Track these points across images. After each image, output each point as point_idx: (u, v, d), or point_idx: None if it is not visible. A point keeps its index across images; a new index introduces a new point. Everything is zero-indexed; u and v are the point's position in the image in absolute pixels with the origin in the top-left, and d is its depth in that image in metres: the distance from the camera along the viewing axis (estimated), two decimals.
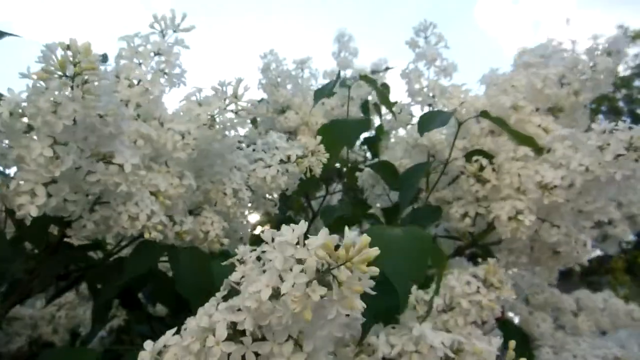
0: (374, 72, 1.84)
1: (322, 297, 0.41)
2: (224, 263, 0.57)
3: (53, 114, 0.62)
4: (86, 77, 0.62)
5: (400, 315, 0.68)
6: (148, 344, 0.50)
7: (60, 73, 0.61)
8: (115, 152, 0.70)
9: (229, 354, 0.45)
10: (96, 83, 0.62)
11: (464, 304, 0.80)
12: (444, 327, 0.78)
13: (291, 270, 0.42)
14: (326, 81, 1.46)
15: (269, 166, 0.90)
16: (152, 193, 0.77)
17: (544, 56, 1.14)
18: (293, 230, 0.44)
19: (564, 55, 1.11)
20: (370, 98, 1.58)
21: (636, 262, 4.75)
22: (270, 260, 0.44)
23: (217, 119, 0.81)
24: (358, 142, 1.65)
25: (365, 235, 0.42)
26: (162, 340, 0.50)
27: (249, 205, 0.92)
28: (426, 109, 1.14)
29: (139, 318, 1.17)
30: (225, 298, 0.52)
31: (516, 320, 1.57)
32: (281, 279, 0.43)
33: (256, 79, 1.47)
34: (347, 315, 0.45)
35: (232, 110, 0.80)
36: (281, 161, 0.91)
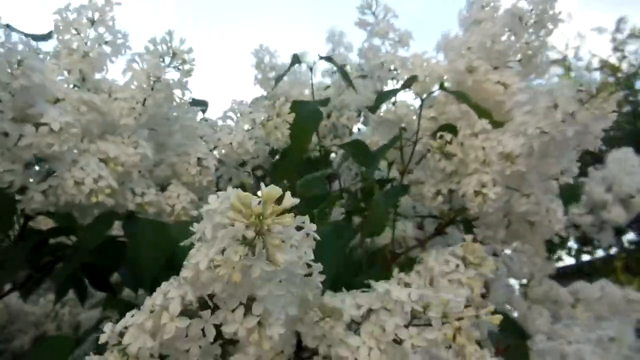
0: None
1: (242, 257, 0.42)
2: (182, 243, 0.56)
3: None
4: None
5: None
6: (108, 326, 0.49)
7: None
8: (43, 113, 0.69)
9: (186, 330, 0.45)
10: None
11: (444, 284, 0.78)
12: None
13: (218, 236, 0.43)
14: (325, 80, 1.48)
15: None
16: (102, 160, 0.77)
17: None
18: (218, 197, 0.45)
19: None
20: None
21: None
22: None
23: (161, 78, 0.79)
24: None
25: (271, 186, 0.43)
26: (123, 322, 0.49)
27: (221, 177, 0.91)
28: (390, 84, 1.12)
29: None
30: None
31: (515, 314, 1.52)
32: None
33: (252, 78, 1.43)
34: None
35: (174, 67, 0.79)
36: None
